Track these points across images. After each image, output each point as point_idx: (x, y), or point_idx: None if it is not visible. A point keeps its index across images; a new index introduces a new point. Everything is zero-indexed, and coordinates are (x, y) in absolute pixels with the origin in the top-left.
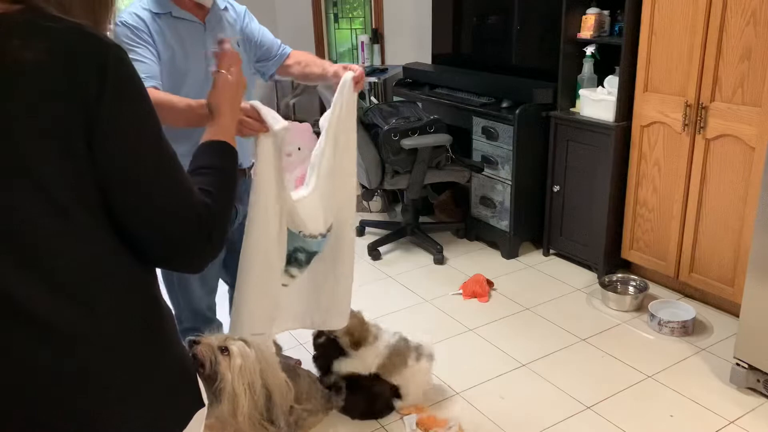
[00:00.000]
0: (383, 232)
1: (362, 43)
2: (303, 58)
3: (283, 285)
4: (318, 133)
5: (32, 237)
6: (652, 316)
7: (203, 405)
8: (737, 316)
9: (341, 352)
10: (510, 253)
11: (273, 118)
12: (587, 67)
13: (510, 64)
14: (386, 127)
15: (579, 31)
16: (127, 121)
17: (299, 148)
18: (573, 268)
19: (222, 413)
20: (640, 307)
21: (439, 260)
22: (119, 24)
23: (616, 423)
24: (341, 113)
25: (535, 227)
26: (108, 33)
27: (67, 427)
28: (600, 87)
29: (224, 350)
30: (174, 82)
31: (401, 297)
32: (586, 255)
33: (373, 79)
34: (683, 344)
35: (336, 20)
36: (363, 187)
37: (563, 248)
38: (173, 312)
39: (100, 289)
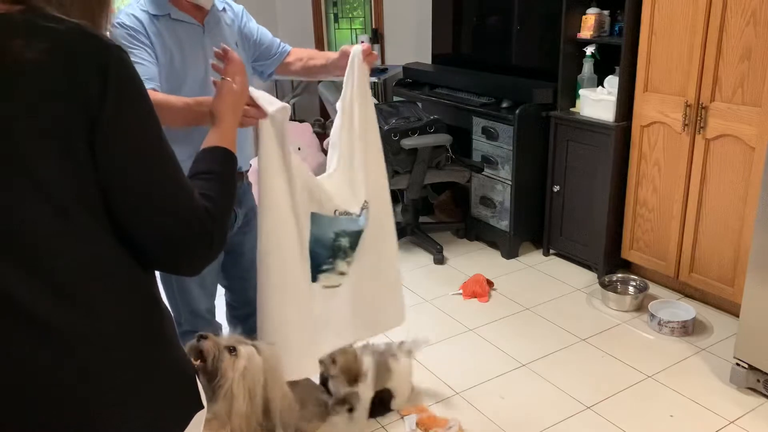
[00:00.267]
0: None
1: (362, 43)
2: (304, 54)
3: (334, 287)
4: (318, 133)
5: (32, 237)
6: (652, 316)
7: (203, 407)
8: (737, 316)
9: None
10: (510, 253)
11: (268, 102)
12: (587, 67)
13: (510, 64)
14: (386, 127)
15: (579, 31)
16: (127, 122)
17: (299, 148)
18: (573, 268)
19: (219, 412)
20: (640, 307)
21: (439, 260)
22: (116, 26)
23: (616, 423)
24: (354, 89)
25: (535, 227)
26: (107, 34)
27: (66, 427)
28: (600, 87)
29: (232, 350)
30: (173, 84)
31: None
32: (586, 255)
33: (373, 79)
34: (683, 344)
35: (336, 20)
36: None
37: (563, 248)
38: (172, 315)
39: (100, 290)
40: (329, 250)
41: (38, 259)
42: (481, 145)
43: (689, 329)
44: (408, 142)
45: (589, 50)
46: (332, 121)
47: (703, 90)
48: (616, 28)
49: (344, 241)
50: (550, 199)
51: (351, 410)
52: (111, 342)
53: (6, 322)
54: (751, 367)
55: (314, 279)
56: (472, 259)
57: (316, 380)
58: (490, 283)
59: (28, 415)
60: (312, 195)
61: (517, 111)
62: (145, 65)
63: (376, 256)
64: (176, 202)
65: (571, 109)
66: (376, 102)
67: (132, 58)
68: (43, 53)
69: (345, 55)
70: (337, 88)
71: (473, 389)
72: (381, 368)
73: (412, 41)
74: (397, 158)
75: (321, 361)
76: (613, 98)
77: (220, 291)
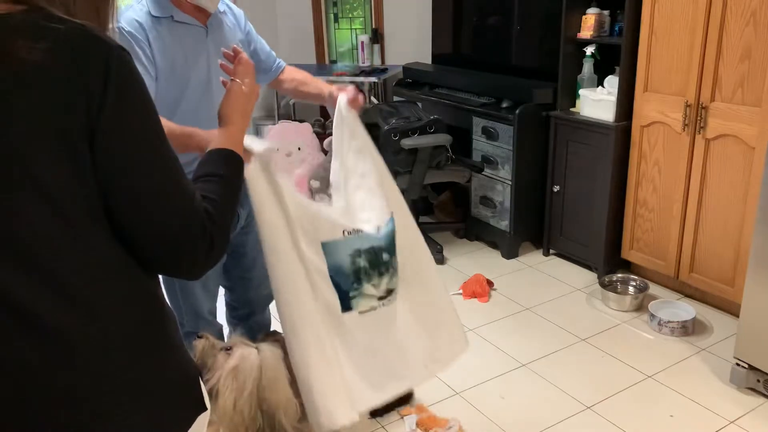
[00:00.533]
0: None
1: (362, 43)
2: (299, 77)
3: (373, 310)
4: (318, 133)
5: (32, 238)
6: (652, 316)
7: (205, 409)
8: (737, 316)
9: None
10: (510, 253)
11: (256, 143)
12: (587, 67)
13: (510, 64)
14: (386, 127)
15: (579, 31)
16: (127, 123)
17: (299, 148)
18: (573, 268)
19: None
20: (640, 307)
21: (439, 260)
22: (118, 30)
23: (616, 423)
24: (345, 133)
25: (535, 227)
26: (111, 34)
27: (66, 428)
28: (600, 87)
29: (228, 350)
30: (176, 88)
31: None
32: (586, 255)
33: (373, 79)
34: (683, 344)
35: (336, 20)
36: None
37: (563, 248)
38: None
39: (101, 291)
40: (351, 275)
41: (38, 261)
42: (481, 145)
43: (689, 329)
44: (408, 142)
45: (589, 50)
46: (332, 121)
47: (703, 90)
48: (616, 28)
49: (362, 262)
50: (550, 199)
51: None
52: (112, 343)
53: (6, 323)
54: (751, 367)
55: (348, 308)
56: (472, 259)
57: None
58: (490, 283)
59: (27, 416)
60: (316, 223)
61: (517, 111)
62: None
63: (411, 272)
64: (176, 203)
65: (571, 109)
66: (376, 102)
67: None
68: (44, 54)
69: (333, 99)
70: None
71: (473, 389)
72: None
73: (412, 41)
74: (397, 158)
75: None
76: (613, 98)
77: (220, 291)
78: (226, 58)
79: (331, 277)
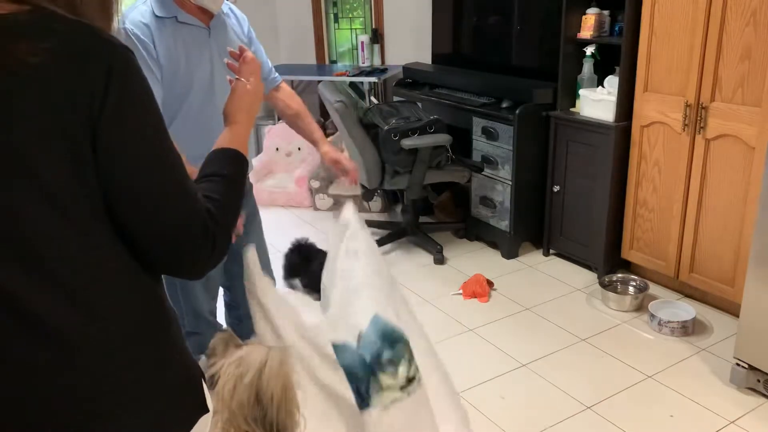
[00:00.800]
0: (383, 232)
1: (362, 43)
2: (294, 105)
3: (394, 402)
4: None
5: (34, 238)
6: (652, 316)
7: (207, 410)
8: (737, 316)
9: None
10: (510, 253)
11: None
12: (587, 67)
13: (510, 64)
14: (386, 127)
15: (579, 31)
16: (129, 122)
17: (299, 148)
18: (573, 268)
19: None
20: (640, 307)
21: (439, 260)
22: (124, 31)
23: (616, 423)
24: (346, 236)
25: (535, 227)
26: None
27: (66, 428)
28: (600, 87)
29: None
30: (180, 90)
31: None
32: (586, 255)
33: (373, 79)
34: (683, 344)
35: (336, 20)
36: (363, 187)
37: (563, 248)
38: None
39: (103, 291)
40: (360, 371)
41: (40, 260)
42: (481, 145)
43: (689, 329)
44: (408, 142)
45: (589, 50)
46: (332, 121)
47: (703, 90)
48: (616, 28)
49: (367, 357)
50: (550, 199)
51: None
52: (113, 343)
53: (6, 323)
54: (751, 367)
55: (367, 405)
56: (472, 259)
57: None
58: (490, 283)
59: (28, 416)
60: (318, 335)
61: (517, 111)
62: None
63: (422, 361)
64: (177, 203)
65: (571, 109)
66: (376, 102)
67: None
68: (48, 55)
69: (326, 158)
70: (337, 88)
71: (473, 389)
72: None
73: (412, 41)
74: (397, 158)
75: None
76: (613, 98)
77: (220, 291)
78: (232, 56)
79: (347, 375)
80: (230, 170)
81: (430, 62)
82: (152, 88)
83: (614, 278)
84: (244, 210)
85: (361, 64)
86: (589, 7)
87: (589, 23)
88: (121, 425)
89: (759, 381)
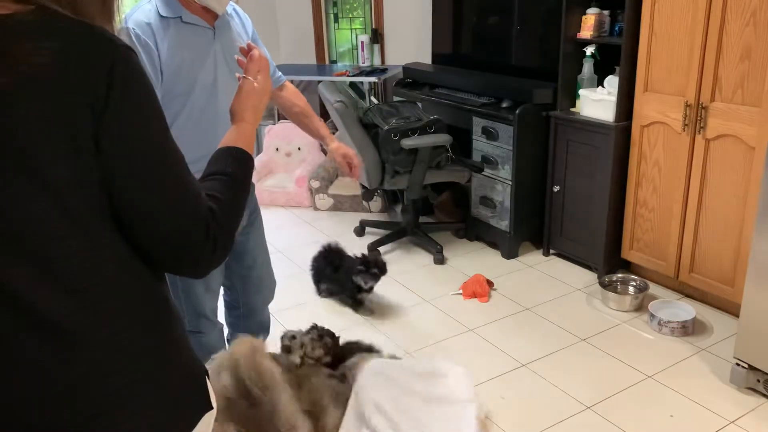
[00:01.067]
0: (383, 232)
1: (362, 43)
2: (300, 103)
3: None
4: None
5: (37, 237)
6: (652, 316)
7: (211, 408)
8: (737, 316)
9: None
10: (510, 253)
11: None
12: (587, 67)
13: (510, 64)
14: (386, 127)
15: (579, 31)
16: (132, 121)
17: (299, 148)
18: (573, 268)
19: None
20: (640, 307)
21: (439, 260)
22: (127, 31)
23: (616, 423)
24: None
25: (535, 227)
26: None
27: (68, 427)
28: (600, 87)
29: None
30: (182, 89)
31: (401, 297)
32: (586, 255)
33: (373, 79)
34: (683, 344)
35: (336, 20)
36: (363, 187)
37: (563, 248)
38: None
39: (106, 290)
40: None
41: (44, 259)
42: (481, 145)
43: (689, 329)
44: (408, 142)
45: (589, 50)
46: (332, 121)
47: (703, 90)
48: (616, 28)
49: None
50: (550, 199)
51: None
52: (116, 342)
53: (10, 322)
54: (751, 367)
55: None
56: (472, 259)
57: None
58: (490, 283)
59: (29, 415)
60: None
61: (517, 111)
62: None
63: None
64: (179, 203)
65: (571, 109)
66: (377, 102)
67: None
68: (51, 54)
69: (332, 153)
70: (337, 88)
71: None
72: None
73: (412, 41)
74: (397, 158)
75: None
76: (613, 98)
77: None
78: (242, 53)
79: None
80: (235, 169)
81: (430, 62)
82: None
83: (614, 278)
84: (248, 208)
85: (361, 64)
86: (589, 7)
87: (589, 23)
88: (124, 424)
89: (759, 381)
